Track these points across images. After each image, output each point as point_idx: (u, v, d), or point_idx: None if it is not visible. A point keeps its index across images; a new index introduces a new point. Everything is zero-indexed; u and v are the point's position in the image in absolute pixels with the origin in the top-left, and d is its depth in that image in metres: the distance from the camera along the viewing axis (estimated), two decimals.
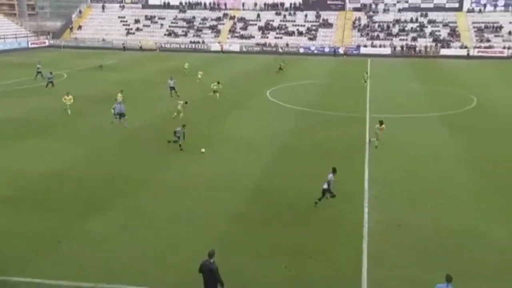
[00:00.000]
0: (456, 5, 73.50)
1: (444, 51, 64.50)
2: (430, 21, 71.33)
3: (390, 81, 41.76)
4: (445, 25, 70.14)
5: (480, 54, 62.85)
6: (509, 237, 13.30)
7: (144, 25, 78.60)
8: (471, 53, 62.46)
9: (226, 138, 23.41)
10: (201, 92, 34.63)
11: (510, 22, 67.83)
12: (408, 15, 73.14)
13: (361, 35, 71.17)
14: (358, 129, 24.99)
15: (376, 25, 72.71)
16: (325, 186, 14.91)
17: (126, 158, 20.05)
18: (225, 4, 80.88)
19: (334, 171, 15.09)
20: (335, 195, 15.08)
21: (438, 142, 22.52)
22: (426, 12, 72.84)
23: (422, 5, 74.37)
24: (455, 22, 70.37)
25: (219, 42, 72.05)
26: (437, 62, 57.03)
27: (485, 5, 72.18)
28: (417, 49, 65.68)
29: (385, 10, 75.25)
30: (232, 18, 77.91)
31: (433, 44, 66.52)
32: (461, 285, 10.14)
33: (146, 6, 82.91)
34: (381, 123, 21.40)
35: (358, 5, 77.78)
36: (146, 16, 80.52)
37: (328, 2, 79.42)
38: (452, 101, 32.40)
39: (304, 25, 74.86)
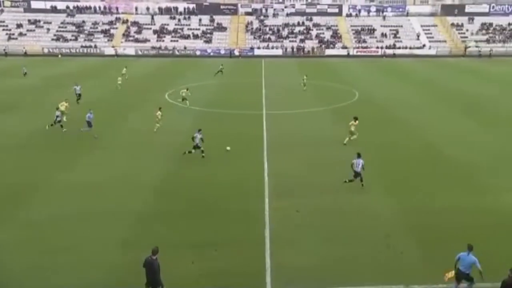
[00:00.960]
0: (336, 10, 79.96)
1: (328, 51, 69.72)
2: (315, 25, 76.49)
3: (283, 80, 43.78)
4: (328, 28, 75.85)
5: (359, 53, 69.32)
6: (395, 210, 14.88)
7: (28, 30, 71.70)
8: (351, 53, 68.55)
9: (126, 139, 22.49)
10: (115, 96, 32.55)
11: (381, 26, 76.03)
12: (296, 19, 77.51)
13: (254, 38, 73.49)
14: (255, 125, 25.73)
15: (268, 28, 75.73)
16: (358, 169, 16.26)
17: (20, 166, 18.10)
18: (117, 8, 77.31)
19: (359, 156, 16.45)
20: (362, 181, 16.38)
21: (327, 132, 24.26)
22: (311, 17, 77.94)
23: (307, 10, 79.42)
24: (337, 26, 76.51)
25: (113, 46, 68.71)
26: (323, 61, 61.36)
27: (360, 11, 79.76)
28: (305, 50, 69.99)
29: (275, 15, 78.74)
30: (125, 22, 74.77)
31: (319, 45, 71.50)
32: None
33: (28, 10, 75.66)
34: (355, 119, 22.07)
35: (250, 10, 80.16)
36: (29, 20, 73.44)
37: (221, 7, 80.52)
38: (338, 95, 35.04)
39: (199, 29, 74.89)
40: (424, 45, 71.66)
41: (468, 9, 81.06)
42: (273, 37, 73.58)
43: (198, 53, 69.28)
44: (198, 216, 14.34)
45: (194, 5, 79.57)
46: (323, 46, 71.27)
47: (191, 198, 15.72)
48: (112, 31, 72.82)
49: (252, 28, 75.66)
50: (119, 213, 14.40)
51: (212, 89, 38.12)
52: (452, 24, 77.28)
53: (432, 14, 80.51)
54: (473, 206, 15.06)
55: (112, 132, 23.96)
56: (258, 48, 70.62)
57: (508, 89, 37.73)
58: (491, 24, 77.36)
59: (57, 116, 23.99)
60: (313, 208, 15.01)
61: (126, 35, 72.14)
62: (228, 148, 20.82)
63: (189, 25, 75.82)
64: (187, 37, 72.94)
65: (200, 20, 76.63)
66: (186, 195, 15.92)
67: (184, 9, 78.43)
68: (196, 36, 73.26)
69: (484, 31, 76.10)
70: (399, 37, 73.75)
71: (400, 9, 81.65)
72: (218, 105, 31.02)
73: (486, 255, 10.50)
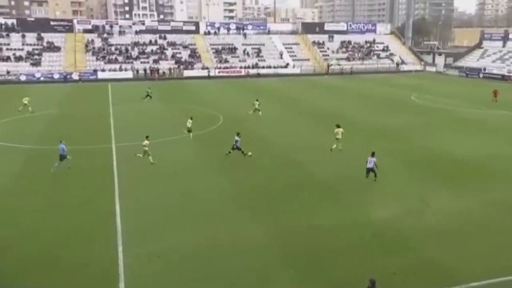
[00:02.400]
0: (193, 27, 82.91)
1: (187, 72, 71.33)
2: (170, 43, 77.77)
3: (137, 106, 43.04)
4: (185, 47, 77.87)
5: (221, 74, 72.49)
6: (267, 236, 15.57)
7: None
8: (212, 73, 71.31)
9: None
10: None
11: (243, 44, 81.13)
12: (147, 37, 77.76)
13: (97, 59, 71.13)
14: (103, 161, 24.59)
15: (113, 48, 74.18)
16: (371, 165, 21.16)
17: None
18: None
19: (373, 154, 21.48)
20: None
21: (188, 161, 24.53)
22: (165, 35, 79.19)
23: (160, 28, 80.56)
24: (195, 44, 79.07)
25: None
26: (182, 84, 62.41)
27: (219, 28, 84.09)
28: (160, 71, 70.31)
29: (121, 32, 77.75)
30: None
31: (176, 66, 72.68)
32: None
33: None
34: (338, 126, 26.72)
35: (89, 27, 77.73)
36: None
37: (52, 23, 76.47)
38: (201, 120, 35.78)
39: (22, 49, 69.45)
40: (288, 64, 78.65)
41: (327, 27, 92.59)
42: (120, 58, 72.30)
43: (23, 78, 63.88)
44: (29, 276, 12.82)
45: (15, 20, 73.93)
46: (181, 67, 72.65)
47: (20, 252, 14.06)
48: None
49: (93, 48, 73.26)
50: None
51: (47, 121, 35.37)
52: (314, 42, 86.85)
53: (293, 32, 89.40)
54: (340, 223, 16.74)
55: None
56: (103, 70, 68.50)
57: (370, 104, 43.61)
58: (349, 42, 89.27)
59: None
60: (177, 250, 14.80)
61: None
62: (249, 153, 24.84)
63: (9, 44, 69.84)
64: (6, 59, 66.90)
65: (23, 37, 71.24)
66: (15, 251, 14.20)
67: (1, 25, 72.17)
68: (19, 58, 67.68)
69: (344, 49, 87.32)
70: (262, 56, 79.60)
71: (261, 27, 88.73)
72: (55, 140, 28.79)
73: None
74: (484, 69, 73.93)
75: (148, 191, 20.26)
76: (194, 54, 76.38)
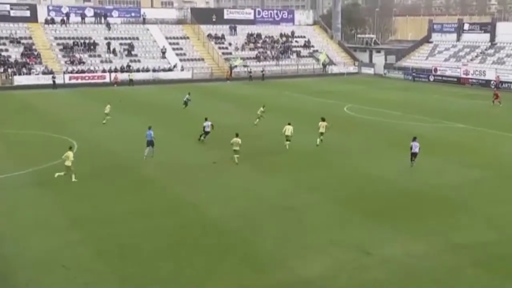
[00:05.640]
0: (27, 13, 79.66)
1: (20, 79, 67.97)
2: None
3: None
4: (16, 42, 74.76)
5: (73, 81, 70.14)
6: None
7: None
8: (59, 81, 68.59)
9: None
10: None
11: (106, 38, 79.68)
12: None
13: None
14: None
15: None
16: (417, 150, 29.87)
17: None
18: None
19: (414, 139, 30.15)
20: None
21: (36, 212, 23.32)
22: None
23: None
24: (30, 38, 76.51)
25: None
26: (13, 97, 59.34)
27: (68, 15, 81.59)
28: None
29: None
30: None
31: (1, 70, 69.02)
32: None
33: None
34: (323, 119, 35.47)
35: None
36: None
37: None
38: (45, 150, 34.04)
39: None
40: (174, 66, 78.43)
41: (228, 15, 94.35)
42: None
43: None
44: None
45: None
46: (9, 71, 69.43)
47: None
48: None
49: None
50: None
51: None
52: (210, 36, 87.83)
53: (180, 22, 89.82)
54: None
55: None
56: None
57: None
58: (259, 36, 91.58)
59: None
60: None
61: None
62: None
63: None
64: None
65: None
66: None
67: None
68: None
69: (252, 45, 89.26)
70: (135, 55, 78.99)
71: (133, 14, 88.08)
72: None
73: None
74: (435, 70, 79.38)
75: None
76: (30, 53, 73.81)
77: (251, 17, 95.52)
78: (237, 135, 30.92)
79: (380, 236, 20.75)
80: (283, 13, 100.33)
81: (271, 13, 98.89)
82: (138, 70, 75.44)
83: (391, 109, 51.00)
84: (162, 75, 76.15)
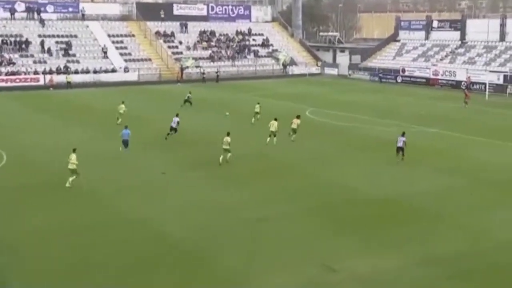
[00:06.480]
0: None
1: None
2: None
3: None
4: None
5: (3, 84, 68.77)
6: None
7: None
8: None
9: None
10: None
11: (40, 36, 78.43)
12: None
13: None
14: None
15: None
16: (401, 144, 32.38)
17: None
18: None
19: (403, 134, 33.18)
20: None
21: None
22: None
23: None
24: None
25: None
26: None
27: None
28: None
29: None
30: None
31: None
32: None
33: None
34: (298, 117, 39.35)
35: None
36: None
37: None
38: None
39: None
40: (120, 67, 77.56)
41: (178, 10, 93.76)
42: None
43: None
44: None
45: None
46: None
47: None
48: None
49: None
50: None
51: None
52: (158, 34, 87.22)
53: (125, 18, 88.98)
54: None
55: None
56: None
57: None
58: (213, 33, 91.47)
59: None
60: None
61: None
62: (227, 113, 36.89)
63: None
64: None
65: None
66: None
67: None
68: None
69: (205, 43, 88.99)
70: (74, 55, 77.98)
71: (70, 8, 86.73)
72: None
73: None
74: (403, 70, 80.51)
75: None
76: None
77: (204, 13, 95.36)
78: (228, 134, 32.46)
79: (351, 248, 20.77)
80: (239, 9, 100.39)
81: (225, 9, 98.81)
82: (76, 72, 74.43)
83: (357, 113, 51.42)
84: (104, 77, 75.22)
